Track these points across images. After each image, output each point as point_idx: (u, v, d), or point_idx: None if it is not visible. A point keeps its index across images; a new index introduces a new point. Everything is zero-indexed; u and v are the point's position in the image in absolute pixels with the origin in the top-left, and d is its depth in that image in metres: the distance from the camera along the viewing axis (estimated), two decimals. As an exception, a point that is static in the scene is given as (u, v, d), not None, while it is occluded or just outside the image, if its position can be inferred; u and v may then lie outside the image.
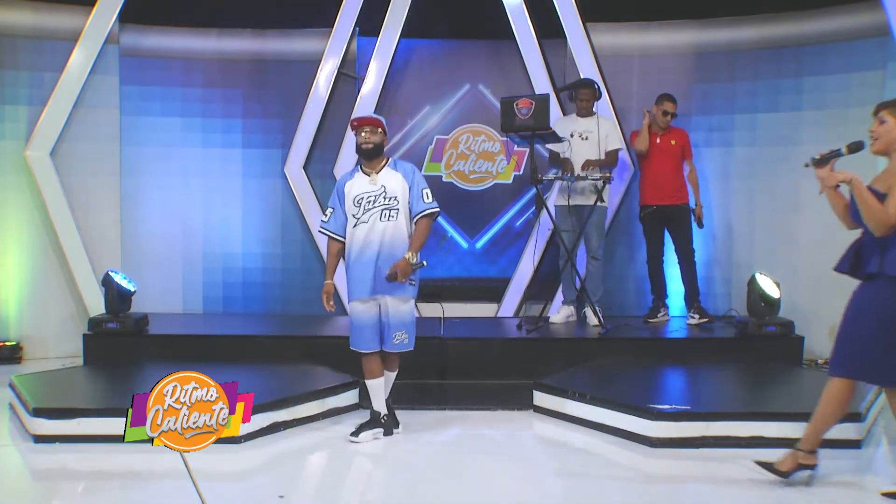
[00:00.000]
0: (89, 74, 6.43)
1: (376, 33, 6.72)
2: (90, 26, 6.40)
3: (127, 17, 6.58)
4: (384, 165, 4.41)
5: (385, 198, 4.33)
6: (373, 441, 4.36)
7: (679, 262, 6.16)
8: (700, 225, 6.15)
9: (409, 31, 6.72)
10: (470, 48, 7.11)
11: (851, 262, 3.59)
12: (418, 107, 7.06)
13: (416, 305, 4.49)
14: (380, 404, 4.43)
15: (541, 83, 6.60)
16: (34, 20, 6.42)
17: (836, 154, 3.63)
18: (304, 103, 6.69)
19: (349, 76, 6.80)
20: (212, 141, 6.86)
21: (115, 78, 6.63)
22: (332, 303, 4.41)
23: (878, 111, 3.56)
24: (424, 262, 4.36)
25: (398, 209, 4.33)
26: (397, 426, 4.49)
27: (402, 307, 4.36)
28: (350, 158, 6.58)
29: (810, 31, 6.42)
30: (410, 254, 4.30)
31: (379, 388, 4.42)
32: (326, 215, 4.46)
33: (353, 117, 4.44)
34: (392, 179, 4.37)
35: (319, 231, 4.52)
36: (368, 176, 4.37)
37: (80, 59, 6.39)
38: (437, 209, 4.41)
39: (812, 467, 3.74)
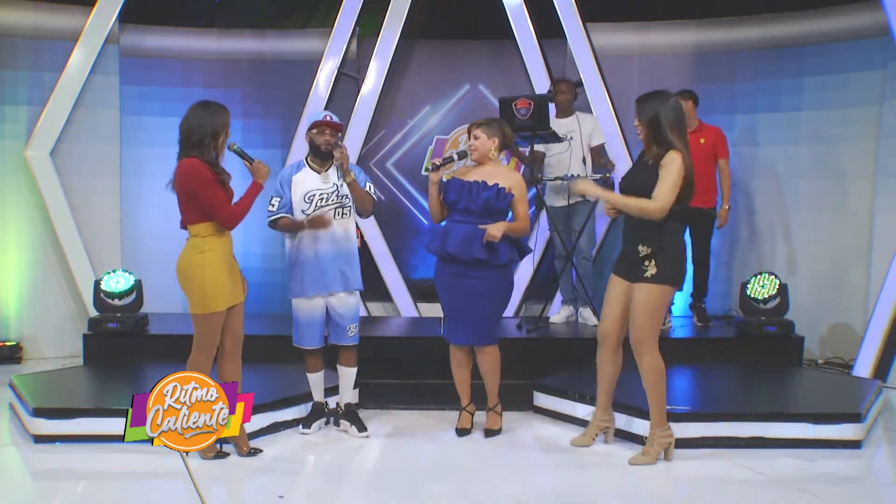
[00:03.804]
0: (89, 74, 6.42)
1: (376, 33, 6.72)
2: (90, 26, 6.39)
3: (127, 17, 6.58)
4: (332, 164, 4.47)
5: (338, 196, 4.41)
6: (322, 431, 4.55)
7: (694, 264, 6.06)
8: (719, 226, 5.99)
9: (409, 31, 6.72)
10: (470, 48, 7.11)
11: (488, 252, 4.26)
12: (418, 107, 7.06)
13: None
14: (320, 395, 4.61)
15: (541, 83, 6.59)
16: (34, 20, 6.41)
17: (450, 160, 4.39)
18: (304, 103, 6.70)
19: (349, 76, 6.81)
20: (212, 141, 6.85)
21: (115, 78, 6.64)
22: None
23: (471, 129, 4.40)
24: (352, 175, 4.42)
25: (350, 206, 4.45)
26: (364, 430, 4.49)
27: (350, 300, 4.49)
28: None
29: (810, 31, 6.42)
30: (352, 175, 4.39)
31: (320, 380, 4.58)
32: (274, 205, 4.42)
33: (320, 120, 4.45)
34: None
35: (269, 222, 4.45)
36: (319, 174, 4.43)
37: (80, 59, 6.39)
38: (375, 199, 4.56)
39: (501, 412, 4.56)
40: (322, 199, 4.39)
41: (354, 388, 4.70)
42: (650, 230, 3.91)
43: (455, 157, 4.44)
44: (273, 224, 4.45)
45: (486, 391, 4.50)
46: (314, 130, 4.42)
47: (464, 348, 4.49)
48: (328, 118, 4.45)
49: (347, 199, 4.44)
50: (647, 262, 3.91)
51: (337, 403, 4.64)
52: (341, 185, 4.43)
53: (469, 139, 4.44)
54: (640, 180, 3.96)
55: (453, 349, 4.50)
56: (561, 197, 6.00)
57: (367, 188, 4.50)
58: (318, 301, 4.44)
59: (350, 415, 4.56)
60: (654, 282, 3.90)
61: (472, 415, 4.56)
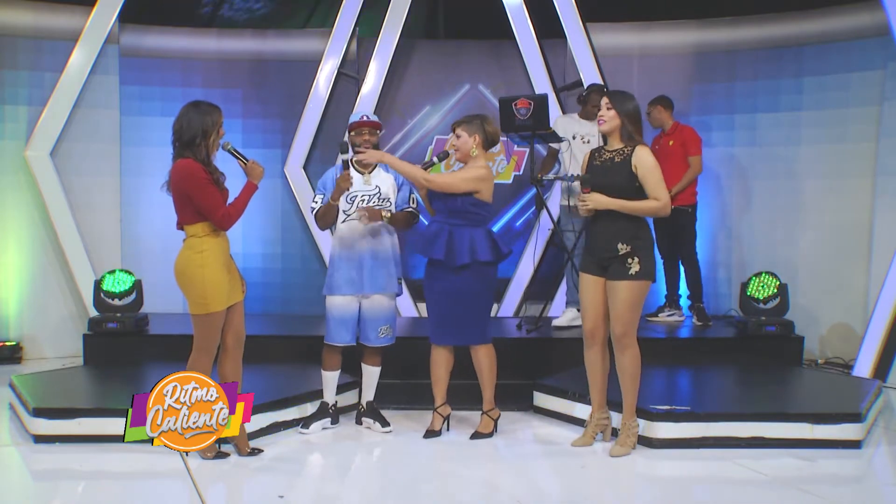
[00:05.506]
0: (89, 74, 6.43)
1: (376, 33, 6.72)
2: (90, 26, 6.40)
3: (127, 17, 6.59)
4: (375, 166, 4.50)
5: (379, 199, 4.45)
6: (322, 431, 4.52)
7: (682, 264, 6.14)
8: None
9: (409, 31, 6.72)
10: (470, 48, 7.11)
11: (446, 252, 4.22)
12: (418, 107, 7.05)
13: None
14: (330, 395, 4.57)
15: (541, 83, 6.60)
16: (34, 20, 6.42)
17: (431, 164, 4.42)
18: (304, 103, 6.70)
19: (349, 76, 6.81)
20: (211, 141, 6.86)
21: (115, 78, 6.64)
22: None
23: (455, 128, 4.37)
24: (388, 214, 4.44)
25: (391, 210, 4.47)
26: (387, 425, 4.55)
27: (386, 302, 4.51)
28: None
29: (810, 31, 6.43)
30: (388, 213, 4.42)
31: (334, 380, 4.56)
32: (316, 202, 4.48)
33: (354, 121, 4.47)
34: (385, 181, 4.51)
35: (315, 218, 4.50)
36: (362, 175, 4.46)
37: (80, 59, 6.39)
38: (419, 215, 4.57)
39: (497, 417, 4.49)
40: (364, 200, 4.42)
41: (354, 389, 4.70)
42: (628, 228, 4.02)
43: (435, 159, 4.45)
44: (317, 218, 4.46)
45: (482, 393, 4.46)
46: (352, 132, 4.44)
47: (446, 348, 4.44)
48: (364, 118, 4.47)
49: (388, 203, 4.46)
50: (630, 260, 4.01)
51: (359, 402, 4.70)
52: (383, 188, 4.46)
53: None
54: (616, 181, 4.02)
55: (434, 348, 4.48)
56: (562, 196, 6.00)
57: (410, 201, 4.54)
58: (352, 300, 4.44)
59: (373, 412, 4.60)
60: (638, 278, 4.01)
61: (445, 418, 4.52)
